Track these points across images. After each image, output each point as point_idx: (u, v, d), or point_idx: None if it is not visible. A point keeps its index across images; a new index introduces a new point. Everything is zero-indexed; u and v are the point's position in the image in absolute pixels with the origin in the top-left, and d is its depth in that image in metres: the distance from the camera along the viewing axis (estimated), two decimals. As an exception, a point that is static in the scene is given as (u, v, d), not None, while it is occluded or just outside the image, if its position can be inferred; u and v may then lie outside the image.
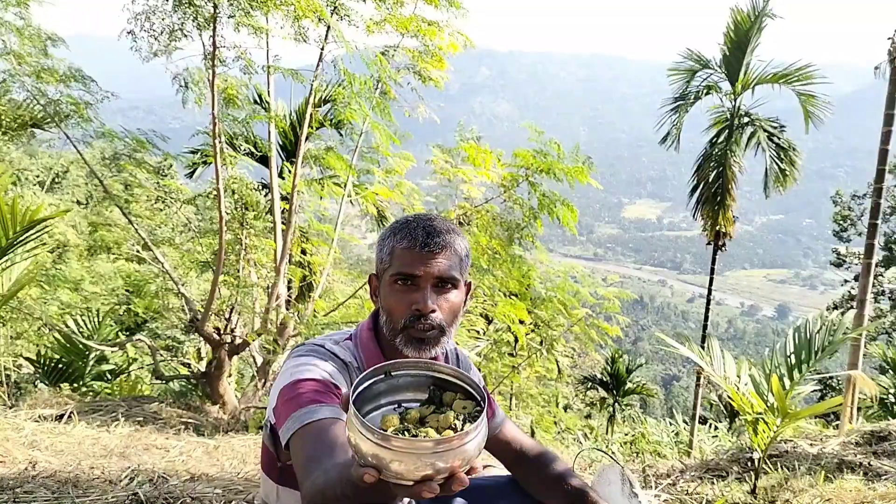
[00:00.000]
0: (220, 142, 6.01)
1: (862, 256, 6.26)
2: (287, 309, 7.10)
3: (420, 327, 1.25)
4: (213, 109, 5.78)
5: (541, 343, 10.59)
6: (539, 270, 9.85)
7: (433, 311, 1.25)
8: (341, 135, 7.29)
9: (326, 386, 1.18)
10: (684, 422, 10.42)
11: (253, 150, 7.36)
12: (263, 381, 6.47)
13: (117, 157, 6.33)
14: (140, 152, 6.32)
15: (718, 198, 10.90)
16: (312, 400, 1.13)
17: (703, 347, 3.90)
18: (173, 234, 7.71)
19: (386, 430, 0.84)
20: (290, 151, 8.99)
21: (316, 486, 0.98)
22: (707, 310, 11.76)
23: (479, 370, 9.91)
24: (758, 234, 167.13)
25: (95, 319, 7.26)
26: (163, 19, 5.56)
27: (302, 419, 1.11)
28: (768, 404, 2.96)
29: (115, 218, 7.54)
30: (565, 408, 17.64)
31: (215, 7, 5.35)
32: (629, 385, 17.93)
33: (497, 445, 1.57)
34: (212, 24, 5.44)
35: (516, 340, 10.79)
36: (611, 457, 1.68)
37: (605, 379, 18.07)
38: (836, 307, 16.22)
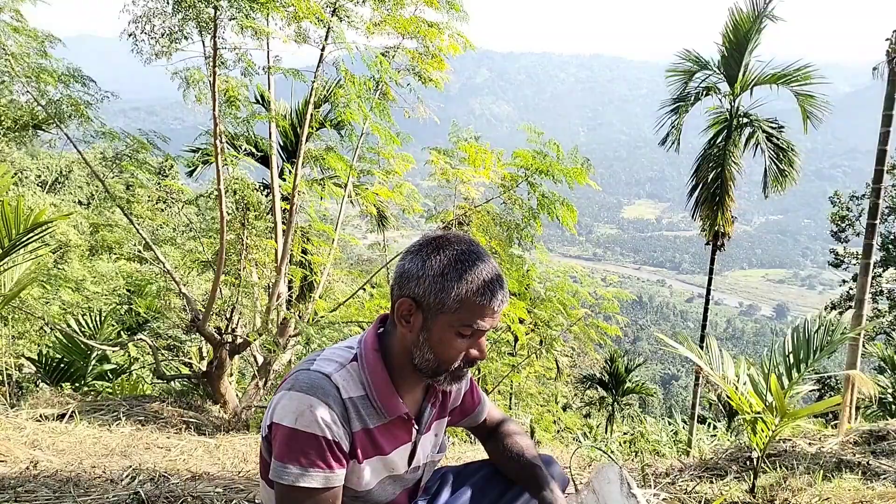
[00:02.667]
0: (220, 142, 6.02)
1: (860, 256, 6.27)
2: (288, 308, 7.12)
3: (465, 369, 1.32)
4: (213, 110, 5.79)
5: (540, 342, 10.60)
6: (538, 270, 9.88)
7: None
8: (341, 135, 7.31)
9: (330, 444, 1.23)
10: (683, 421, 10.44)
11: (254, 150, 7.37)
12: (264, 380, 6.48)
13: (119, 157, 6.33)
14: (142, 153, 6.32)
15: (717, 198, 10.91)
16: (315, 464, 1.21)
17: (701, 347, 3.92)
18: (174, 234, 7.72)
19: None
20: (290, 151, 9.02)
21: None
22: (706, 309, 11.77)
23: (479, 370, 9.91)
24: (756, 234, 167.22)
25: (97, 319, 7.27)
26: (163, 21, 5.56)
27: (291, 477, 1.21)
28: (767, 404, 2.97)
29: (116, 218, 7.55)
30: (565, 407, 17.66)
31: (216, 9, 5.36)
32: (628, 384, 17.96)
33: (477, 428, 1.66)
34: (212, 27, 5.45)
35: (516, 340, 10.81)
36: (609, 456, 1.70)
37: (604, 378, 18.10)
38: (834, 307, 16.24)
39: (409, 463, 1.41)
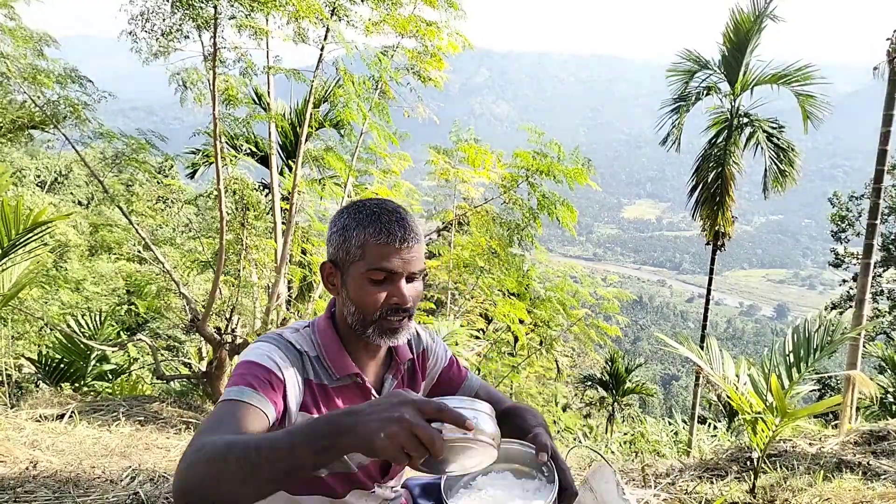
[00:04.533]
0: (220, 142, 6.01)
1: (860, 256, 6.27)
2: (287, 308, 7.11)
3: (394, 318, 1.28)
4: (213, 110, 5.79)
5: (540, 343, 10.61)
6: (538, 270, 9.88)
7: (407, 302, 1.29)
8: (341, 135, 7.31)
9: (267, 371, 1.20)
10: (683, 421, 10.42)
11: (254, 150, 7.37)
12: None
13: (118, 157, 6.33)
14: (141, 153, 6.32)
15: (717, 198, 10.90)
16: (249, 384, 1.15)
17: (702, 347, 3.91)
18: (174, 234, 7.72)
19: None
20: (290, 151, 9.00)
21: (214, 444, 0.95)
22: (706, 310, 11.75)
23: (479, 370, 9.93)
24: (757, 234, 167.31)
25: (97, 319, 7.27)
26: (163, 20, 5.56)
27: (230, 394, 1.14)
28: (767, 404, 2.97)
29: (116, 218, 7.55)
30: (565, 407, 17.67)
31: (216, 8, 5.36)
32: (628, 384, 17.93)
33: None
34: (212, 26, 5.45)
35: (516, 340, 10.81)
36: (602, 457, 1.69)
37: (604, 378, 18.07)
38: (834, 307, 16.23)
39: None
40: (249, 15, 5.43)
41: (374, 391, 1.37)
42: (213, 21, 5.41)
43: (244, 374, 1.17)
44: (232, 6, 5.40)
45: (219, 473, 0.91)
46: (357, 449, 0.89)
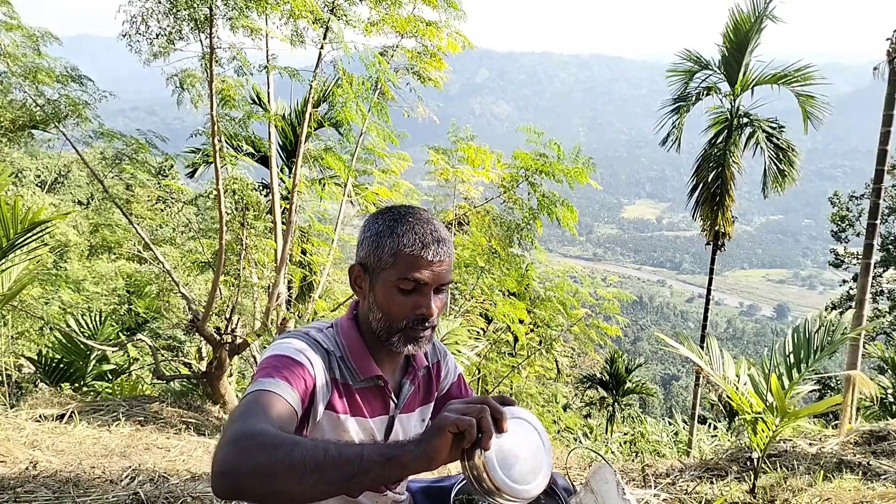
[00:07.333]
0: (219, 141, 6.01)
1: (860, 256, 6.27)
2: (288, 309, 7.11)
3: (420, 328, 1.29)
4: (211, 110, 5.79)
5: (540, 343, 10.60)
6: (538, 270, 9.88)
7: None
8: (341, 134, 7.31)
9: (300, 365, 1.20)
10: (683, 421, 10.43)
11: (253, 150, 7.36)
12: (264, 380, 6.47)
13: (119, 157, 6.33)
14: (141, 153, 6.32)
15: (717, 198, 10.90)
16: (283, 376, 1.15)
17: (702, 347, 3.91)
18: (174, 234, 7.72)
19: None
20: (289, 151, 9.01)
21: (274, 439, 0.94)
22: (706, 310, 11.75)
23: (479, 370, 9.90)
24: (757, 234, 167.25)
25: (97, 319, 7.27)
26: (158, 21, 5.56)
27: (263, 384, 1.12)
28: (767, 404, 2.97)
29: (116, 218, 7.55)
30: (565, 407, 17.65)
31: (211, 9, 5.35)
32: (628, 384, 17.94)
33: None
34: (208, 26, 5.44)
35: (516, 340, 10.81)
36: (602, 457, 1.69)
37: (604, 378, 18.08)
38: (834, 307, 16.23)
39: (386, 438, 1.39)
40: (244, 13, 5.42)
41: (392, 394, 1.38)
42: (208, 21, 5.41)
43: (277, 365, 1.18)
44: (226, 5, 5.39)
45: (279, 464, 0.90)
46: (426, 449, 0.92)
